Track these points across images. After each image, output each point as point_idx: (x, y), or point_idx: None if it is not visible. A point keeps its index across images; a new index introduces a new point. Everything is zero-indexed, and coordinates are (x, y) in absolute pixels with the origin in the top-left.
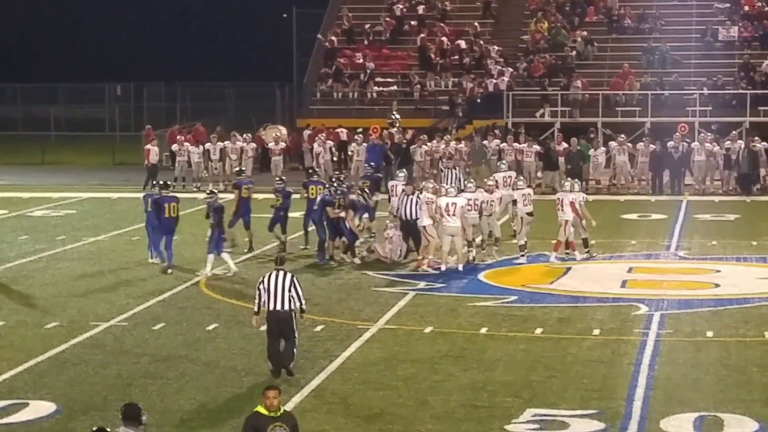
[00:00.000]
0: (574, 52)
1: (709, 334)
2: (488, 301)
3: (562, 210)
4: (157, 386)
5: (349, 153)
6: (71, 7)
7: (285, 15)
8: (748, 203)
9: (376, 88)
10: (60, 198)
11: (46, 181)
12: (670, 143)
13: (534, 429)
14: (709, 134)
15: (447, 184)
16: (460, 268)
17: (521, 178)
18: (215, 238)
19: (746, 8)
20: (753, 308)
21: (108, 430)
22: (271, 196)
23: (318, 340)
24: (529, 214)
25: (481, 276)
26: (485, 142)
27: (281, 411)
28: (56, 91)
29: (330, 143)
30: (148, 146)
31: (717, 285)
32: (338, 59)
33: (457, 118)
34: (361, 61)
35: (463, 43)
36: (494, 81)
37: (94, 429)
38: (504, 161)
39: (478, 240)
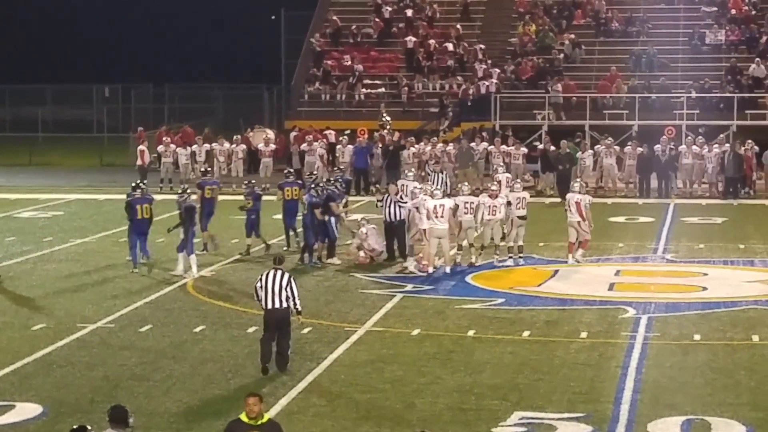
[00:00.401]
0: (562, 55)
1: (697, 337)
2: (476, 303)
3: (571, 211)
4: (143, 388)
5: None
6: (59, 9)
7: (273, 17)
8: (735, 206)
9: (364, 90)
10: (47, 199)
11: (34, 183)
12: (657, 147)
13: None
14: (700, 137)
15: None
16: (448, 270)
17: (518, 181)
18: (185, 237)
19: (733, 12)
20: (740, 311)
21: (89, 428)
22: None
23: (305, 342)
24: (522, 217)
25: (469, 278)
26: (473, 144)
27: (264, 419)
28: (44, 93)
29: (317, 145)
30: (142, 147)
31: (704, 288)
32: (326, 61)
33: (448, 118)
34: (349, 63)
35: (450, 46)
36: (482, 83)
37: (75, 427)
38: (501, 164)
39: (465, 243)
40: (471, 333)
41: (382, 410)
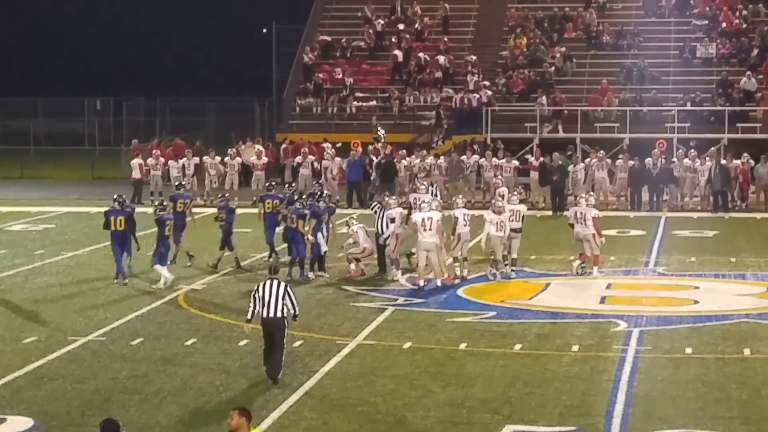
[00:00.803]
0: (553, 68)
1: (688, 350)
2: (467, 316)
3: (585, 225)
4: (135, 401)
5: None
6: (50, 22)
7: (264, 30)
8: (726, 220)
9: (355, 103)
10: (39, 212)
11: (25, 196)
12: (648, 160)
13: None
14: (692, 150)
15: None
16: (439, 283)
17: (515, 193)
18: (159, 250)
19: (724, 25)
20: (732, 325)
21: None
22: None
23: (296, 355)
24: (516, 230)
25: (460, 291)
26: (463, 157)
27: None
28: (36, 106)
29: (312, 158)
30: (140, 161)
31: (696, 301)
32: (317, 74)
33: (444, 129)
34: (340, 76)
35: (441, 59)
36: (473, 95)
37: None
38: (500, 178)
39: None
40: (462, 346)
41: (373, 424)
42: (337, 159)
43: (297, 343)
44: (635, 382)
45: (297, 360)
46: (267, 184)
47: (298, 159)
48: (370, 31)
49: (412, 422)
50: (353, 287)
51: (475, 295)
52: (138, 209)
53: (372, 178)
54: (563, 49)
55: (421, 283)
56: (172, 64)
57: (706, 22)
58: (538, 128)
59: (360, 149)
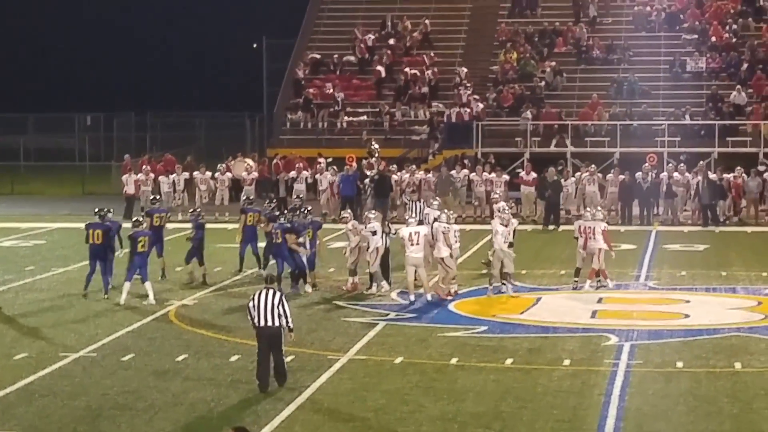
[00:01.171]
0: (543, 83)
1: (679, 364)
2: (458, 331)
3: (594, 238)
4: (126, 417)
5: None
6: (41, 38)
7: (255, 45)
8: (717, 233)
9: (346, 117)
10: (29, 228)
11: (15, 212)
12: (638, 174)
13: None
14: (682, 164)
15: (410, 215)
16: (429, 297)
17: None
18: (132, 265)
19: (714, 39)
20: (723, 339)
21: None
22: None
23: (288, 370)
24: (509, 245)
25: (451, 306)
26: (452, 172)
27: None
28: (26, 121)
29: (306, 173)
30: (135, 177)
31: (687, 315)
32: (308, 89)
33: (439, 142)
34: (331, 90)
35: (431, 73)
36: (464, 110)
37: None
38: (498, 192)
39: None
40: (454, 361)
41: None
42: (327, 173)
43: (289, 358)
44: (626, 397)
45: (288, 375)
46: (244, 198)
47: (293, 174)
48: (362, 45)
49: None
50: (344, 302)
51: (466, 310)
52: (126, 225)
53: (366, 192)
54: (553, 63)
55: (412, 297)
56: (162, 80)
57: (696, 36)
58: (528, 143)
59: (354, 164)
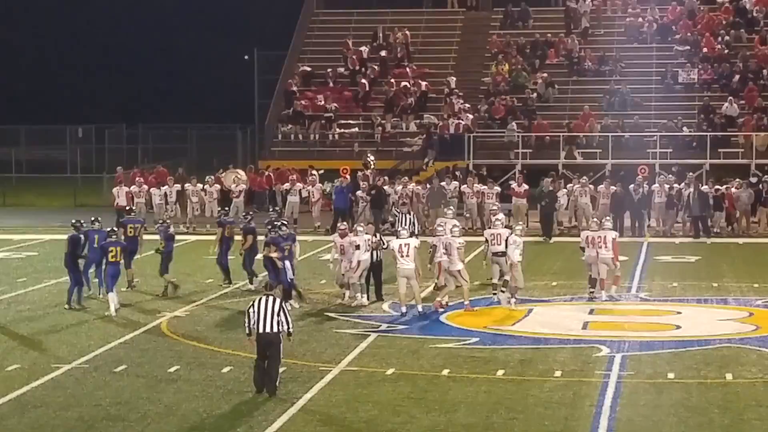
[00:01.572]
0: (535, 95)
1: (671, 375)
2: (450, 342)
3: (606, 247)
4: (118, 428)
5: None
6: (32, 50)
7: (246, 57)
8: (708, 245)
9: (338, 129)
10: (21, 240)
11: (7, 223)
12: (631, 186)
13: None
14: (670, 176)
15: (401, 227)
16: (420, 309)
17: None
18: (106, 275)
19: (706, 51)
20: (714, 350)
21: None
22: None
23: (280, 381)
24: (498, 254)
25: (443, 317)
26: (443, 183)
27: None
28: (18, 133)
29: (299, 185)
30: (127, 189)
31: (678, 327)
32: (299, 101)
33: (435, 153)
34: (322, 103)
35: (424, 86)
36: (456, 121)
37: None
38: (497, 204)
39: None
40: (445, 372)
41: None
42: (319, 185)
43: (280, 370)
44: (618, 408)
45: (280, 386)
46: (219, 210)
47: (287, 186)
48: (353, 57)
49: None
50: (336, 314)
51: (457, 321)
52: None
53: (361, 204)
54: (545, 75)
55: (403, 309)
56: (154, 92)
57: (688, 47)
58: (520, 154)
59: (348, 176)
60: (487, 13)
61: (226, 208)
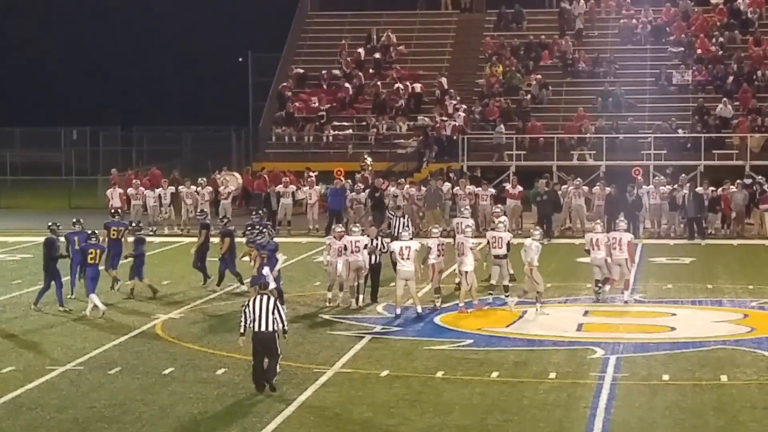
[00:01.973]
0: (529, 96)
1: (665, 377)
2: (444, 344)
3: (620, 248)
4: (113, 430)
5: (300, 197)
6: (26, 52)
7: (240, 59)
8: (702, 246)
9: (332, 131)
10: (16, 242)
11: (2, 226)
12: (630, 186)
13: None
14: (663, 177)
15: (395, 231)
16: (419, 310)
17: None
18: (85, 277)
19: (700, 52)
20: (709, 351)
21: None
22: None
23: (276, 381)
24: (499, 257)
25: (437, 319)
26: (438, 185)
27: None
28: (12, 136)
29: (292, 187)
30: (120, 190)
31: (673, 328)
32: (294, 103)
33: (432, 154)
34: (316, 105)
35: (418, 87)
36: (451, 123)
37: None
38: (500, 206)
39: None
40: (440, 374)
41: None
42: (317, 187)
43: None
44: (612, 409)
45: (275, 388)
46: (198, 211)
47: (280, 188)
48: (348, 59)
49: None
50: (330, 316)
51: (452, 323)
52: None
53: (357, 206)
54: (539, 76)
55: (398, 311)
56: (148, 94)
57: (682, 49)
58: (514, 156)
59: (343, 177)
60: (480, 14)
61: (205, 210)
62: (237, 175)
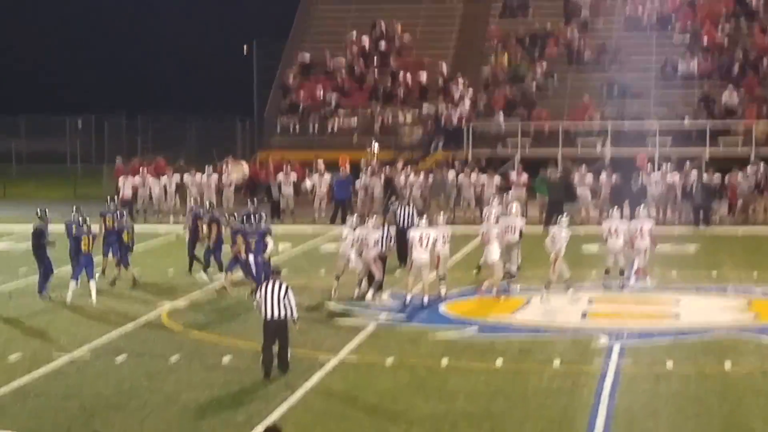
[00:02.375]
0: (535, 85)
1: (669, 364)
2: (449, 332)
3: (642, 237)
4: (119, 418)
5: (309, 186)
6: (31, 41)
7: (245, 48)
8: (707, 234)
9: (337, 121)
10: (22, 231)
11: (8, 214)
12: (635, 174)
13: None
14: (665, 165)
15: (401, 220)
16: (426, 299)
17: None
18: (77, 264)
19: (706, 40)
20: (713, 339)
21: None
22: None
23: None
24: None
25: (442, 308)
26: (444, 173)
27: None
28: (17, 124)
29: (294, 176)
30: (131, 179)
31: (677, 316)
32: (298, 92)
33: (441, 142)
34: (322, 94)
35: (424, 76)
36: (459, 112)
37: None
38: (509, 193)
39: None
40: (445, 362)
41: None
42: (327, 176)
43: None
44: (616, 397)
45: (280, 376)
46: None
47: (281, 177)
48: (353, 48)
49: None
50: (336, 303)
51: (457, 311)
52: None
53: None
54: (544, 65)
55: (408, 297)
56: (153, 83)
57: (688, 37)
58: (519, 144)
59: (348, 166)
60: (486, 3)
61: (197, 199)
62: (244, 163)
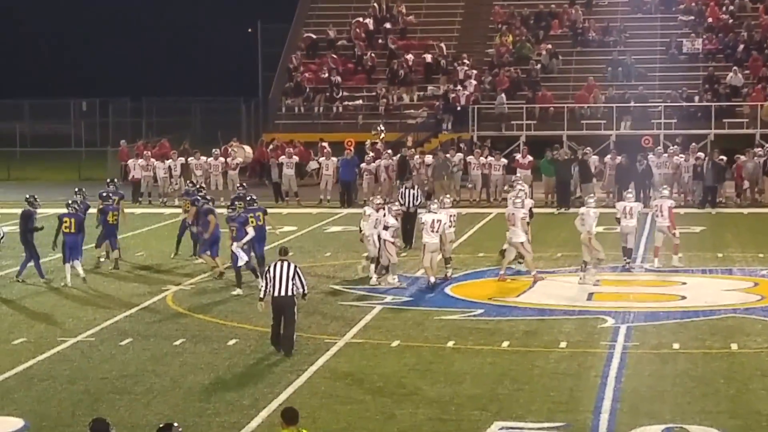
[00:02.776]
0: (539, 66)
1: (676, 346)
2: (455, 314)
3: (662, 215)
4: (124, 401)
5: (313, 168)
6: (35, 24)
7: (250, 30)
8: (713, 215)
9: (342, 102)
10: None
11: (12, 197)
12: (640, 155)
13: None
14: (674, 147)
15: (405, 203)
16: (432, 280)
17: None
18: (64, 246)
19: (710, 21)
20: (719, 320)
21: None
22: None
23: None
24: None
25: (448, 290)
26: (448, 155)
27: None
28: (22, 108)
29: (296, 158)
30: (139, 161)
31: (683, 297)
32: (303, 74)
33: (450, 123)
34: (326, 75)
35: (429, 57)
36: (466, 93)
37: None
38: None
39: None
40: (450, 344)
41: (362, 421)
42: (333, 158)
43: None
44: (623, 378)
45: (285, 358)
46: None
47: (283, 158)
48: (357, 30)
49: (401, 419)
50: (341, 286)
51: (462, 293)
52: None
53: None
54: (549, 46)
55: (432, 280)
56: (158, 65)
57: (693, 17)
58: (524, 126)
59: (353, 148)
60: None
61: (191, 182)
62: (247, 147)
